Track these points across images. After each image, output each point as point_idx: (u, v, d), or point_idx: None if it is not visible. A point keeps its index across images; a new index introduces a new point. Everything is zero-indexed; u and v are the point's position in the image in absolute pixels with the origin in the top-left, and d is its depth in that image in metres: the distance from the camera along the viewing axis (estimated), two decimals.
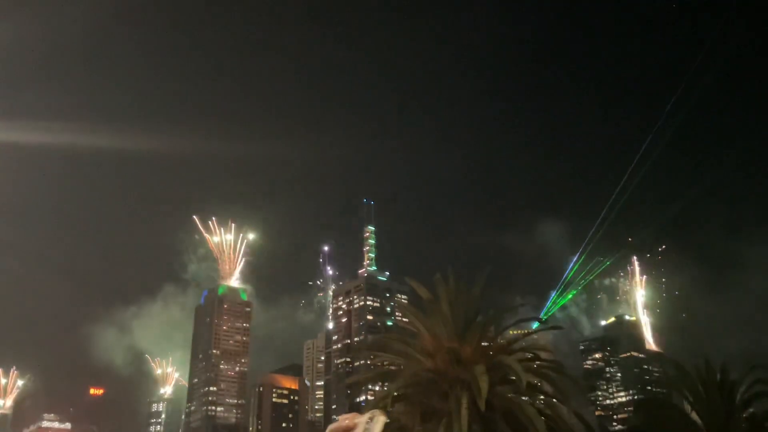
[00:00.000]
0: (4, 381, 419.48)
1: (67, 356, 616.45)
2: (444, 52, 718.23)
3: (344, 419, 10.68)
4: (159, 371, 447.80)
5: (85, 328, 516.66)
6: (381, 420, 10.43)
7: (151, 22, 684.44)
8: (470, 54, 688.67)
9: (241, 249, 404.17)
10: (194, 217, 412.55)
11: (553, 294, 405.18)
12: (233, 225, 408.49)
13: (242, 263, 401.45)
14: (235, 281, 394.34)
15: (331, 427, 10.70)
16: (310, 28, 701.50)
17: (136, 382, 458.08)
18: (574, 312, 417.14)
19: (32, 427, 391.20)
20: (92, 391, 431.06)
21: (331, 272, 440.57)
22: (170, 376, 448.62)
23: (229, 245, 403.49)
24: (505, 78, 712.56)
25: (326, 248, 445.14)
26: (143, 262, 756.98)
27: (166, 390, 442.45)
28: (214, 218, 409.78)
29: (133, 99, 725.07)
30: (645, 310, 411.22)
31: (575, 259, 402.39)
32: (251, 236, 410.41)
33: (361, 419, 10.48)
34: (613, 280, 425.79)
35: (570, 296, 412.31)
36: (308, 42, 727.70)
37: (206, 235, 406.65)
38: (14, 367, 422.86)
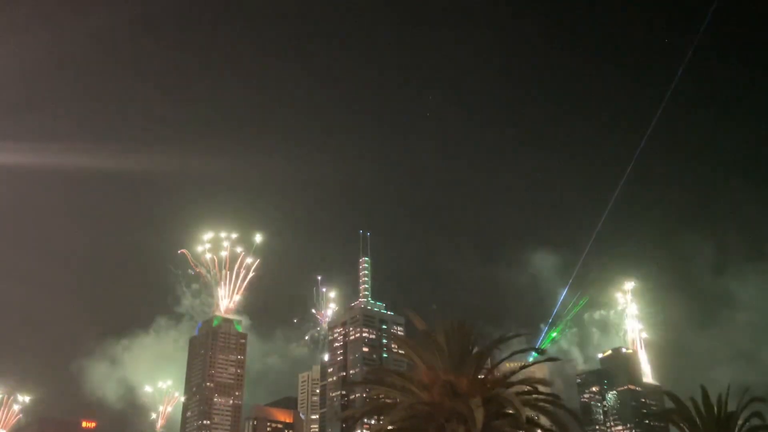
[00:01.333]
0: None
1: (59, 388, 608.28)
2: (439, 84, 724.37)
3: None
4: (154, 411, 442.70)
5: (77, 360, 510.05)
6: None
7: (145, 41, 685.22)
8: (464, 86, 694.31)
9: (237, 280, 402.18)
10: (184, 251, 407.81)
11: (552, 327, 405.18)
12: (228, 255, 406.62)
13: (238, 295, 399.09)
14: (229, 312, 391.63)
15: None
16: (309, 52, 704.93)
17: (128, 415, 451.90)
18: (568, 345, 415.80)
19: None
20: (84, 424, 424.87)
21: (326, 304, 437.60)
22: (165, 408, 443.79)
23: (224, 276, 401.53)
24: (499, 109, 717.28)
25: (320, 278, 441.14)
26: (135, 294, 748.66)
27: (159, 422, 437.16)
28: (207, 246, 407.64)
29: (129, 122, 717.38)
30: (641, 343, 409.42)
31: (578, 295, 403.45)
32: (250, 258, 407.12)
33: None
34: (603, 312, 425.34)
35: (560, 329, 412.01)
36: (305, 68, 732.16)
37: (198, 269, 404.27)
38: (5, 395, 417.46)
